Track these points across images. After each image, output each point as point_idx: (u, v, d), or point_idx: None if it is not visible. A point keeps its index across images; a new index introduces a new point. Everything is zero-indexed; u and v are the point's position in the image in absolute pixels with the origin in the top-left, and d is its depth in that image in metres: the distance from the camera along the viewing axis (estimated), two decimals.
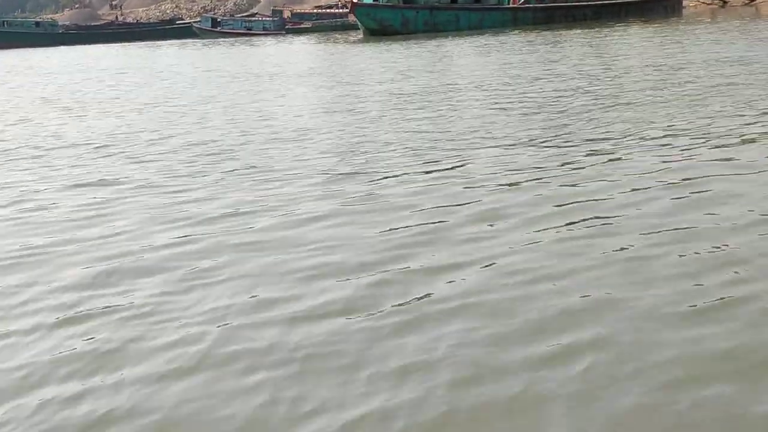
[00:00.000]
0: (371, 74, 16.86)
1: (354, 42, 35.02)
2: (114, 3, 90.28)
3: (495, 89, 12.16)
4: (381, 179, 6.29)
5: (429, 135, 8.30)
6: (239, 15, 66.18)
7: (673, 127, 7.72)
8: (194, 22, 62.95)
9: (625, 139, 7.24)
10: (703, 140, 6.92)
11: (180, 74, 21.10)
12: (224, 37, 54.11)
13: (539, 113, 9.34)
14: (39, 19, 71.35)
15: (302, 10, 63.00)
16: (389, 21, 38.45)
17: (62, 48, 54.20)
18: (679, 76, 11.99)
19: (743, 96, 9.39)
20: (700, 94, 9.80)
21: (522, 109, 9.83)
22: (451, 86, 13.12)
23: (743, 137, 6.98)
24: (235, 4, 76.68)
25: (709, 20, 30.35)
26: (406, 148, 7.62)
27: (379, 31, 37.81)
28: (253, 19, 60.89)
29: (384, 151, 7.52)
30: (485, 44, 24.98)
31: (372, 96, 12.52)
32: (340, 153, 7.60)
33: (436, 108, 10.47)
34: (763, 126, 7.43)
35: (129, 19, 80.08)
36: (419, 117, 9.73)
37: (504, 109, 9.92)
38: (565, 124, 8.38)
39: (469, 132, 8.32)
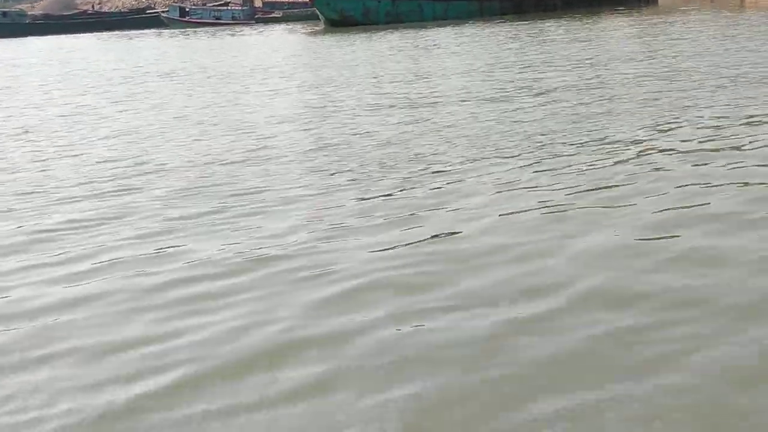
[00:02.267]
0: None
1: (314, 33, 32.82)
2: None
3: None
4: None
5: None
6: (211, 4, 63.92)
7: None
8: (162, 11, 60.78)
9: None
10: None
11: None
12: (192, 27, 52.01)
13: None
14: (5, 10, 68.86)
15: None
16: (350, 11, 36.33)
17: (27, 39, 51.93)
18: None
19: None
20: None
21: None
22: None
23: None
24: None
25: (686, 11, 28.26)
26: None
27: (340, 22, 35.70)
28: (222, 8, 58.63)
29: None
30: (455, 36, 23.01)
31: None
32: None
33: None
34: None
35: (105, 9, 77.67)
36: None
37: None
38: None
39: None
